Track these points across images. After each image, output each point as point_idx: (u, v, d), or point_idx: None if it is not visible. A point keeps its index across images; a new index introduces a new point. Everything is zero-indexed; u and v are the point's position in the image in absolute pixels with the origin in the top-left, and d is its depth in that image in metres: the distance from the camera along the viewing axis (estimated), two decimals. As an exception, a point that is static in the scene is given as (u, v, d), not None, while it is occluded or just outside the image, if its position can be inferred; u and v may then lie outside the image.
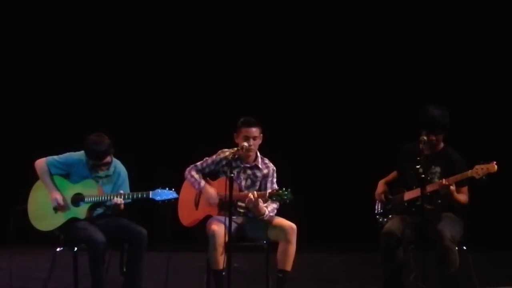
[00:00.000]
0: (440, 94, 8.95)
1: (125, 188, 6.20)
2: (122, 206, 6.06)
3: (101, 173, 6.17)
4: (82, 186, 6.10)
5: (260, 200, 5.98)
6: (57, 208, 6.08)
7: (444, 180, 5.80)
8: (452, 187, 5.79)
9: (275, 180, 6.25)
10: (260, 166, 6.22)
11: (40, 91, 9.77)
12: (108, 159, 6.11)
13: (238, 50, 9.69)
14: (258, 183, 6.20)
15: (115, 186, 6.20)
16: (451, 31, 9.39)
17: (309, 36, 9.68)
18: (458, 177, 5.81)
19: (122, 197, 6.03)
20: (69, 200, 6.09)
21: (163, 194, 5.96)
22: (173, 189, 6.01)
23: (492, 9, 9.27)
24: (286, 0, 9.63)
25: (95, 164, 6.09)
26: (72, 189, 6.11)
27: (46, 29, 9.68)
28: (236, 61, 9.71)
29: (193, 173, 6.22)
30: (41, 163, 6.18)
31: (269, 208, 6.07)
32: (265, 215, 6.02)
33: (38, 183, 6.21)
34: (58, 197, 6.08)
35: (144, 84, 9.83)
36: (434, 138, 5.97)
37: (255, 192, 6.00)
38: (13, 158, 9.53)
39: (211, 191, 6.10)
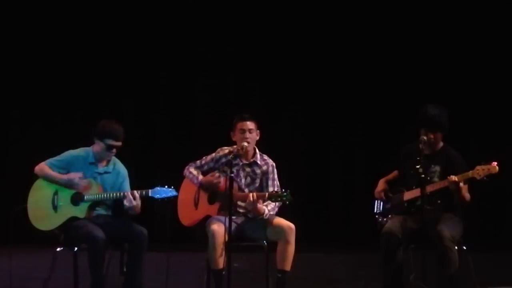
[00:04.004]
0: (441, 94, 8.94)
1: (126, 187, 6.20)
2: (135, 203, 5.98)
3: (100, 169, 6.17)
4: (81, 185, 6.09)
5: (259, 200, 5.98)
6: (83, 189, 6.03)
7: (453, 176, 5.78)
8: (462, 184, 5.79)
9: (276, 176, 6.24)
10: (259, 162, 6.22)
11: (39, 92, 9.76)
12: (120, 144, 6.09)
13: (238, 50, 9.70)
14: (258, 180, 6.21)
15: (115, 184, 6.20)
16: (450, 32, 9.40)
17: (309, 36, 9.69)
18: (459, 177, 5.81)
19: (120, 195, 6.02)
20: (69, 200, 6.08)
21: (162, 192, 5.96)
22: (172, 187, 6.01)
23: (490, 9, 9.27)
24: (286, 2, 9.64)
25: (111, 145, 6.06)
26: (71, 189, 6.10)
27: (45, 33, 9.69)
28: (236, 60, 9.72)
29: (192, 169, 6.24)
30: (41, 166, 6.15)
31: (269, 207, 6.07)
32: (265, 215, 6.03)
33: (37, 183, 6.18)
34: (79, 175, 6.02)
35: (144, 84, 9.84)
36: (432, 136, 5.97)
37: (255, 194, 6.00)
38: (12, 159, 9.53)
39: (211, 178, 6.09)
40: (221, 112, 9.65)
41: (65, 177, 6.09)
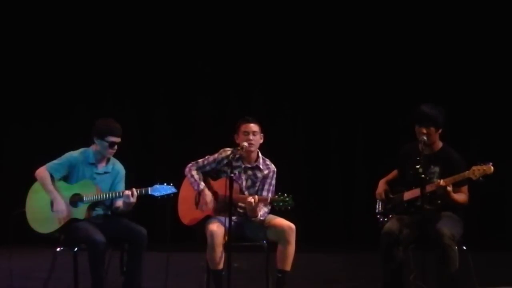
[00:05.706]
0: (441, 95, 8.94)
1: (120, 187, 6.19)
2: (132, 200, 5.97)
3: (100, 170, 6.17)
4: (80, 186, 6.08)
5: (260, 203, 5.98)
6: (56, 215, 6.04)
7: (441, 181, 5.80)
8: (449, 188, 5.79)
9: (273, 182, 6.23)
10: (261, 167, 6.21)
11: (38, 92, 9.76)
12: (119, 139, 6.09)
13: (239, 52, 9.70)
14: (258, 184, 6.21)
15: (112, 184, 6.20)
16: (450, 32, 9.40)
17: (309, 38, 9.69)
18: (456, 177, 5.81)
19: (119, 195, 6.01)
20: (67, 201, 6.05)
21: (162, 189, 5.95)
22: (171, 184, 5.99)
23: (490, 9, 9.28)
24: (285, 4, 9.64)
25: (112, 142, 6.06)
26: (70, 190, 6.07)
27: (46, 33, 9.69)
28: (237, 62, 9.72)
29: (194, 172, 6.20)
30: (42, 172, 6.11)
31: (261, 212, 6.07)
32: (257, 218, 6.04)
33: (35, 186, 6.16)
34: (61, 209, 6.01)
35: (144, 84, 9.84)
36: (424, 130, 5.95)
37: (257, 197, 5.99)
38: (11, 160, 9.53)
39: (207, 198, 6.08)
40: (222, 113, 9.66)
41: (56, 197, 6.03)
